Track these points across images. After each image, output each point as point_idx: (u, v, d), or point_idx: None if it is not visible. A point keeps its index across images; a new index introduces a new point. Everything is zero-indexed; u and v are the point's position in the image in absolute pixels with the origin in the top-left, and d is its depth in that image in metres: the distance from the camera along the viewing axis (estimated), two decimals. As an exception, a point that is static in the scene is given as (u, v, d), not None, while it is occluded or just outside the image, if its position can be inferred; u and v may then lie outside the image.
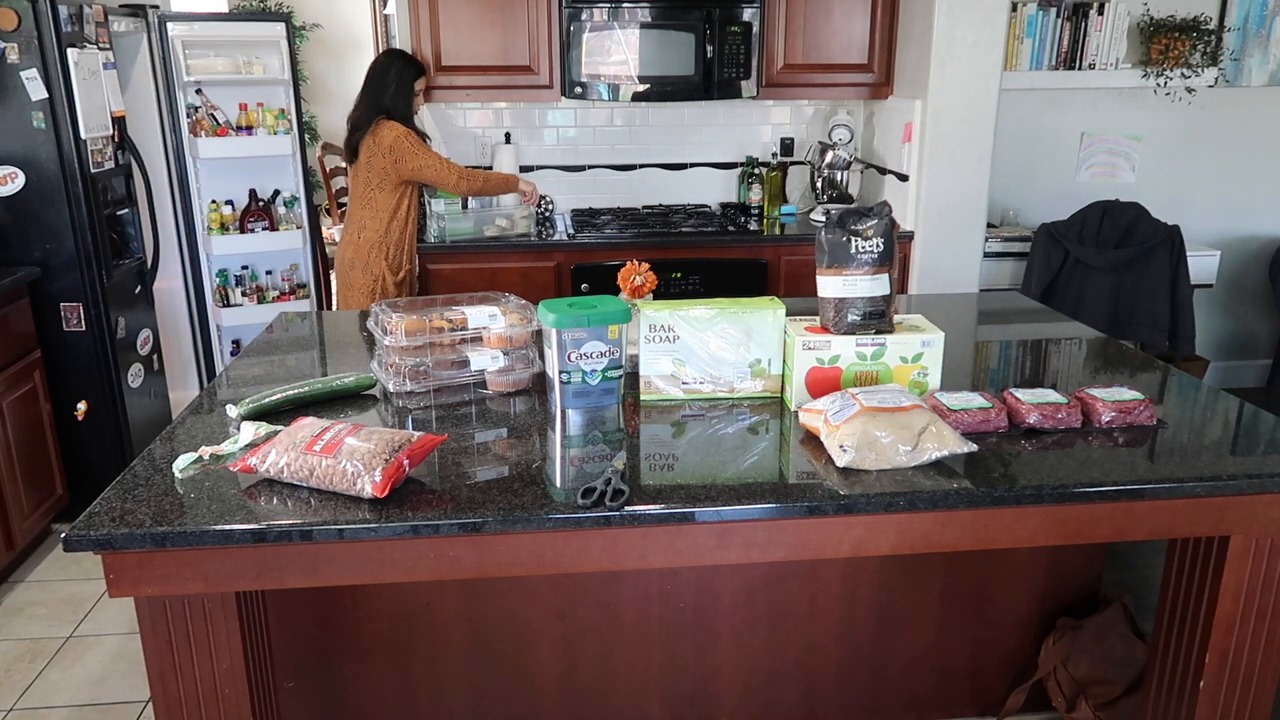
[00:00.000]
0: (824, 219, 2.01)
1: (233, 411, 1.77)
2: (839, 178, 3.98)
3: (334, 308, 4.15)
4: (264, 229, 4.12)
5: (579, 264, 3.60)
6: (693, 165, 4.20)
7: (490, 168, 4.01)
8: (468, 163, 4.05)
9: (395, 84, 3.37)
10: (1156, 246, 3.68)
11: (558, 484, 1.54)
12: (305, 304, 4.30)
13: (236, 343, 4.32)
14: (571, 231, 3.77)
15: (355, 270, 3.40)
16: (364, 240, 3.38)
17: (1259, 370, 4.62)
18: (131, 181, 3.56)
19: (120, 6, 3.70)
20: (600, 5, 3.55)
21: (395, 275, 3.43)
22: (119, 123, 3.42)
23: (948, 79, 3.43)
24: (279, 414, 1.78)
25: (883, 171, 3.91)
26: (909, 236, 3.65)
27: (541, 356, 1.90)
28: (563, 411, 1.81)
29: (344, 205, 6.60)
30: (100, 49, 3.29)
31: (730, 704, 2.19)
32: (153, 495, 1.47)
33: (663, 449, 1.68)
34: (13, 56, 3.00)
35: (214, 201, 4.09)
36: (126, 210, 3.50)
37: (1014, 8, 3.82)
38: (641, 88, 3.66)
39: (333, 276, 3.62)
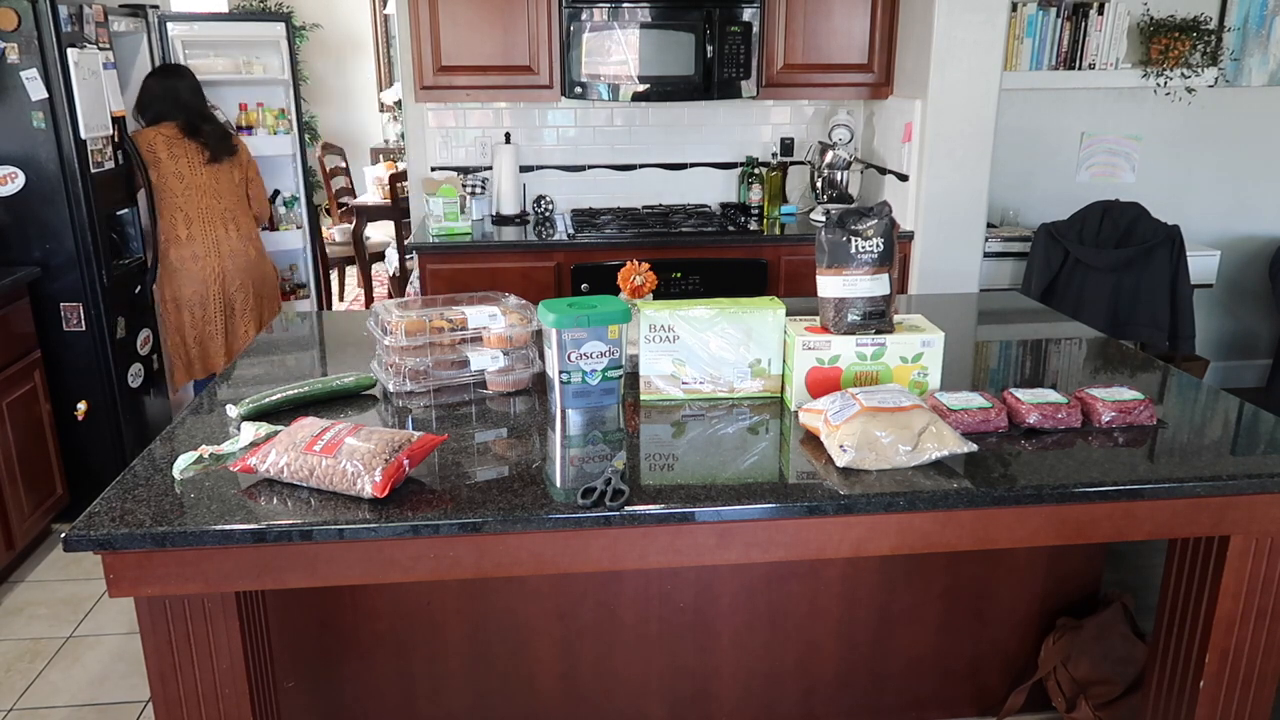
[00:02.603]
0: (824, 219, 2.02)
1: (233, 411, 1.77)
2: (839, 178, 3.98)
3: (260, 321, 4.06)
4: (264, 229, 4.12)
5: (579, 264, 3.60)
6: (692, 165, 4.20)
7: (490, 168, 4.01)
8: (468, 163, 4.05)
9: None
10: (1156, 246, 3.68)
11: (558, 484, 1.54)
12: (305, 304, 4.31)
13: (236, 343, 4.31)
14: (571, 231, 3.76)
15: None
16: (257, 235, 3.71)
17: (1259, 370, 4.62)
18: (131, 181, 3.56)
19: (120, 6, 3.70)
20: (600, 5, 3.55)
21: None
22: (119, 123, 3.42)
23: (948, 79, 3.43)
24: (279, 414, 1.78)
25: (883, 171, 3.91)
26: (909, 236, 3.65)
27: (541, 356, 1.90)
28: (563, 411, 1.81)
29: (344, 205, 6.62)
30: (100, 49, 3.29)
31: (730, 704, 2.19)
32: (153, 495, 1.47)
33: (663, 449, 1.68)
34: (13, 56, 3.00)
35: (214, 201, 4.09)
36: (126, 210, 3.50)
37: (1014, 8, 3.82)
38: (641, 88, 3.66)
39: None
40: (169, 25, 3.83)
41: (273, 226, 4.13)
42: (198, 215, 3.48)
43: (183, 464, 1.56)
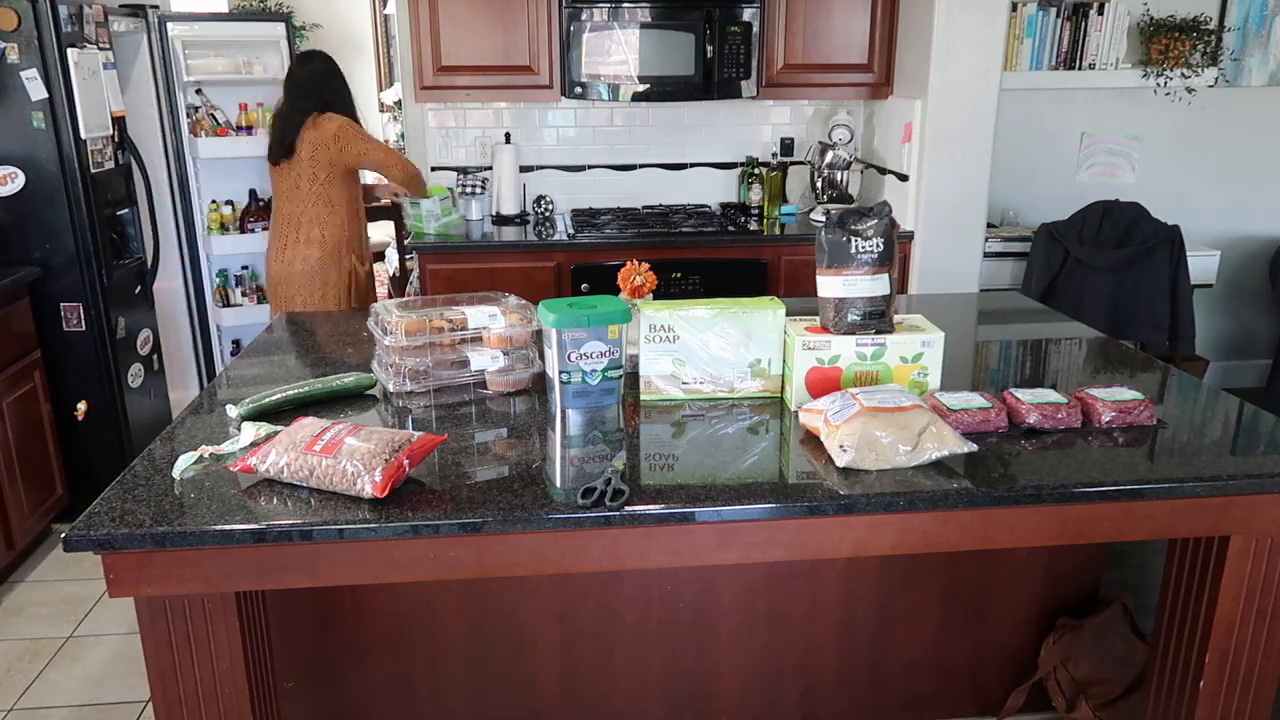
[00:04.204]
0: (824, 219, 2.02)
1: (233, 411, 1.77)
2: (839, 178, 3.98)
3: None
4: (264, 229, 4.12)
5: (579, 264, 3.60)
6: (693, 165, 4.20)
7: (490, 168, 4.01)
8: (468, 163, 4.06)
9: (338, 80, 3.48)
10: (1156, 246, 3.68)
11: (558, 484, 1.54)
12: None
13: (236, 343, 4.32)
14: (571, 231, 3.76)
15: (329, 269, 3.44)
16: (330, 239, 3.43)
17: (1259, 370, 4.62)
18: (131, 181, 3.56)
19: (120, 6, 3.70)
20: (600, 5, 3.55)
21: (364, 266, 3.57)
22: (119, 123, 3.42)
23: (948, 79, 3.43)
24: (279, 414, 1.78)
25: (883, 171, 3.91)
26: (909, 236, 3.65)
27: (541, 356, 1.90)
28: (563, 411, 1.81)
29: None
30: (100, 49, 3.29)
31: (730, 704, 2.19)
32: (153, 495, 1.47)
33: (663, 449, 1.68)
34: (13, 56, 3.00)
35: (214, 201, 4.10)
36: (126, 210, 3.50)
37: (1014, 8, 3.82)
38: (641, 88, 3.65)
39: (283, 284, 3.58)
40: (169, 25, 3.83)
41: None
42: (279, 220, 3.44)
43: (183, 464, 1.56)
